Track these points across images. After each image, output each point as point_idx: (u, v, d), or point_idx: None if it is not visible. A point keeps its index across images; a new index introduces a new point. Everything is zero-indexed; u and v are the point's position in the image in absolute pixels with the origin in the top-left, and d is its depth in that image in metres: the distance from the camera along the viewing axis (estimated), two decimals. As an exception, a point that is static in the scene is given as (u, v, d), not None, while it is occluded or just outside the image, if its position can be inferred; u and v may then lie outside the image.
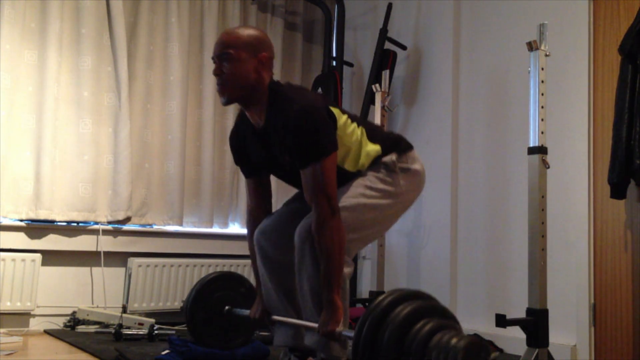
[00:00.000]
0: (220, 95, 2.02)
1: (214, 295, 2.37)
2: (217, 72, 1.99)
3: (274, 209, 2.30)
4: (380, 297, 1.52)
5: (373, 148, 2.11)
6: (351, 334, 1.61)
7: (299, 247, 1.99)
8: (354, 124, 2.08)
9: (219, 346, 2.42)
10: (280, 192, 3.57)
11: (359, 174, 2.09)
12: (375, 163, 2.11)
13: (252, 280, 2.42)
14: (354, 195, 2.03)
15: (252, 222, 2.25)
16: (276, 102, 1.98)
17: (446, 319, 1.49)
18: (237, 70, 1.96)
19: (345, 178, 2.05)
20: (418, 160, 2.20)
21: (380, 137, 2.16)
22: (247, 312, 2.28)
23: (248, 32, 2.01)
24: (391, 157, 2.12)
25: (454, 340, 1.38)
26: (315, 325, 1.91)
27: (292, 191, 2.32)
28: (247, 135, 2.14)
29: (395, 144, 2.17)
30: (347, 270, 1.99)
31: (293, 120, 1.90)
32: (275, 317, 2.17)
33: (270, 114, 2.00)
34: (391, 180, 2.09)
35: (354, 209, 2.01)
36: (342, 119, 2.03)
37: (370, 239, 2.19)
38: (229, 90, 1.99)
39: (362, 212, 2.03)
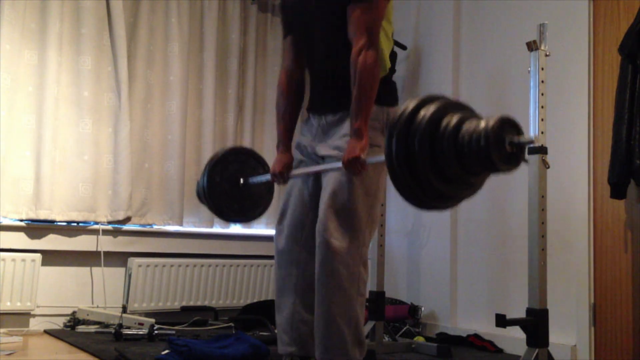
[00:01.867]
0: None
1: (232, 167, 2.32)
2: None
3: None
4: (402, 107, 1.53)
5: (387, 64, 2.15)
6: (379, 157, 1.59)
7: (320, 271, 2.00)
8: (392, 28, 2.17)
9: (239, 219, 2.39)
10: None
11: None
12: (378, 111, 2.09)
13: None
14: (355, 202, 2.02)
15: (286, 79, 2.27)
16: None
17: (467, 111, 1.49)
18: None
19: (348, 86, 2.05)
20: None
21: (391, 67, 2.25)
22: (264, 177, 2.25)
23: None
24: (386, 115, 2.11)
25: (482, 123, 1.40)
26: (338, 164, 1.94)
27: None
28: None
29: (392, 87, 2.21)
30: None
31: None
32: (296, 171, 2.17)
33: None
34: (380, 145, 2.07)
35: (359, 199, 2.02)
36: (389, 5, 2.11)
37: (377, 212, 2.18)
38: None
39: (367, 215, 2.05)
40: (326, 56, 2.14)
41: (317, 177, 2.16)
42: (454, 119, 1.45)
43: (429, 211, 2.05)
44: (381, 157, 1.57)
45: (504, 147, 1.41)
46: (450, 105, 1.50)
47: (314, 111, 2.22)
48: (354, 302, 1.99)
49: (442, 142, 1.42)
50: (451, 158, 1.43)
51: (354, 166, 1.92)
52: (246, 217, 2.42)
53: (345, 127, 2.08)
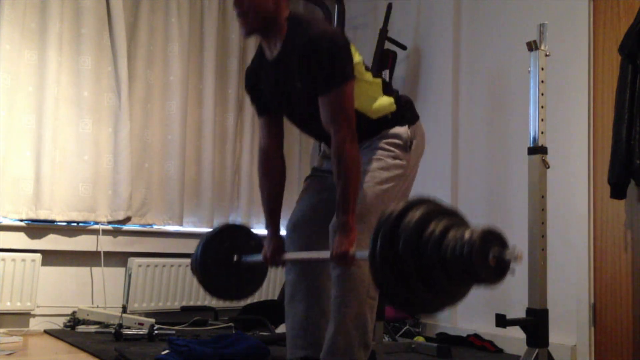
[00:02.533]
0: (241, 27, 2.03)
1: (223, 246, 2.31)
2: (237, 3, 2.00)
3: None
4: (388, 210, 1.52)
5: (388, 100, 2.12)
6: (365, 254, 1.60)
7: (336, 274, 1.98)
8: (369, 73, 2.11)
9: (231, 297, 2.38)
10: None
11: (368, 133, 2.07)
12: (387, 132, 2.09)
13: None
14: (367, 189, 2.01)
15: (265, 162, 2.24)
16: (296, 28, 1.99)
17: (456, 217, 1.49)
18: (256, 1, 1.98)
19: (361, 124, 2.02)
20: (422, 127, 2.22)
21: (395, 94, 2.17)
22: (257, 257, 2.23)
23: None
24: (407, 132, 2.11)
25: (467, 234, 1.38)
26: (327, 255, 1.92)
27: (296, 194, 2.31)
28: (263, 68, 2.14)
29: (407, 107, 2.17)
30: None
31: (314, 43, 1.92)
32: (288, 255, 2.14)
33: (288, 41, 2.00)
34: (403, 162, 2.08)
35: (370, 205, 2.01)
36: (357, 57, 2.04)
37: None
38: (249, 21, 2.00)
39: (378, 209, 2.01)
40: (315, 123, 2.07)
41: (332, 184, 2.13)
42: (440, 225, 1.45)
43: (408, 313, 2.01)
44: (365, 254, 1.58)
45: (488, 260, 1.40)
46: (437, 210, 1.50)
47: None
48: (364, 305, 1.99)
49: (427, 248, 1.43)
50: (435, 265, 1.43)
51: (342, 261, 1.89)
52: (240, 295, 2.43)
53: (368, 150, 2.08)
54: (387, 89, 2.16)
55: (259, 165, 2.26)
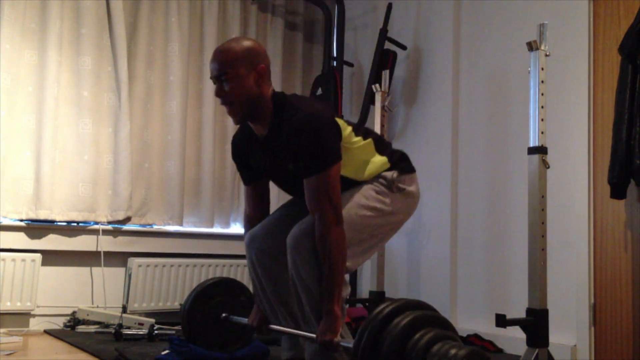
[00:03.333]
0: (231, 116, 2.02)
1: (213, 300, 2.35)
2: (220, 94, 1.99)
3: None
4: (380, 307, 1.52)
5: (381, 159, 2.12)
6: (349, 344, 1.61)
7: (291, 254, 1.96)
8: (359, 137, 2.08)
9: (215, 349, 2.40)
10: (282, 195, 3.57)
11: (358, 183, 2.09)
12: (376, 176, 2.11)
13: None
14: (348, 209, 2.00)
15: (250, 228, 2.24)
16: (282, 111, 1.98)
17: (446, 329, 1.49)
18: (238, 88, 1.96)
19: (348, 186, 2.04)
20: (416, 182, 2.20)
21: (389, 150, 2.16)
22: (244, 320, 2.25)
23: (242, 45, 1.98)
24: (392, 174, 2.11)
25: (453, 351, 1.38)
26: (313, 335, 1.90)
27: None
28: (251, 142, 2.13)
29: (401, 160, 2.17)
30: (345, 292, 1.98)
31: (299, 128, 1.90)
32: (274, 327, 2.15)
33: (275, 123, 1.99)
34: (386, 199, 2.08)
35: (347, 223, 1.99)
36: (346, 130, 2.03)
37: (357, 257, 2.10)
38: (237, 109, 1.99)
39: (355, 228, 2.01)
40: (296, 190, 2.09)
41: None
42: (427, 336, 1.44)
43: None
44: (350, 343, 1.58)
45: None
46: (428, 319, 1.50)
47: None
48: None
49: (411, 353, 1.43)
50: None
51: (327, 347, 1.87)
52: (226, 351, 2.44)
53: (357, 186, 2.08)
54: (381, 145, 2.14)
55: (245, 231, 2.25)
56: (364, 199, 2.05)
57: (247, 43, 2.00)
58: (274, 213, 2.25)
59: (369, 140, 2.11)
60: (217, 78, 1.99)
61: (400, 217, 2.16)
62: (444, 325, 1.51)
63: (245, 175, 2.24)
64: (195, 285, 3.74)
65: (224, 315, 2.35)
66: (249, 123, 2.08)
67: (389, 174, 2.11)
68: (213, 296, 2.35)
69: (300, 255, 1.93)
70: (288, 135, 1.93)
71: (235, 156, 2.24)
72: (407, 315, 1.47)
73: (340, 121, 2.02)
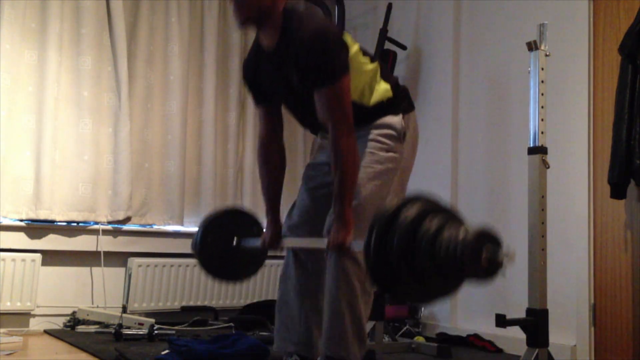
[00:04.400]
0: (235, 17, 2.02)
1: (225, 228, 2.33)
2: None
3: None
4: (384, 206, 1.55)
5: (385, 87, 2.13)
6: (361, 246, 1.62)
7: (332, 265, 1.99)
8: (367, 58, 2.11)
9: (229, 278, 2.39)
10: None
11: (364, 122, 2.08)
12: (381, 122, 2.10)
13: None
14: (360, 187, 2.02)
15: (263, 151, 2.25)
16: (291, 23, 1.99)
17: (450, 215, 1.51)
18: None
19: (357, 112, 2.03)
20: (415, 117, 2.23)
21: (392, 80, 2.18)
22: (256, 242, 2.25)
23: None
24: (401, 122, 2.11)
25: (462, 233, 1.39)
26: (324, 244, 1.93)
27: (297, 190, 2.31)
28: (260, 60, 2.14)
29: (403, 97, 2.18)
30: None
31: (308, 39, 1.92)
32: (287, 243, 2.17)
33: (284, 35, 2.00)
34: (396, 155, 2.09)
35: (366, 203, 2.02)
36: (354, 47, 2.05)
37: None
38: (244, 11, 1.99)
39: (374, 202, 2.03)
40: (313, 114, 2.08)
41: (329, 178, 2.14)
42: (434, 223, 1.46)
43: (400, 303, 2.06)
44: (361, 245, 1.60)
45: (480, 261, 1.41)
46: (433, 208, 1.52)
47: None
48: (359, 300, 2.01)
49: (420, 246, 1.44)
50: (427, 263, 1.45)
51: (338, 251, 1.91)
52: (238, 278, 2.44)
53: (361, 142, 2.06)
54: (385, 74, 2.16)
55: (258, 153, 2.28)
56: (376, 165, 2.05)
57: None
58: (304, 200, 2.24)
59: (376, 63, 2.13)
60: None
61: (412, 160, 2.20)
62: (449, 212, 1.53)
63: (256, 95, 2.25)
64: (195, 283, 3.78)
65: (235, 240, 2.33)
66: (259, 35, 2.10)
67: (396, 122, 2.10)
68: (225, 224, 2.34)
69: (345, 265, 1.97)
70: (295, 48, 1.95)
71: (246, 77, 2.26)
72: (411, 207, 1.49)
73: (347, 37, 2.04)
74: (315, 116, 2.01)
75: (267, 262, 3.94)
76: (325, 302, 2.03)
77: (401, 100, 2.17)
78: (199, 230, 2.32)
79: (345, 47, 1.99)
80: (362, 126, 2.08)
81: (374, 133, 2.10)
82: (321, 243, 1.98)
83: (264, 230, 2.26)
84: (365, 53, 2.12)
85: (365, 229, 1.91)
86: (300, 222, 2.22)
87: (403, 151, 2.13)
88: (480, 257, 1.40)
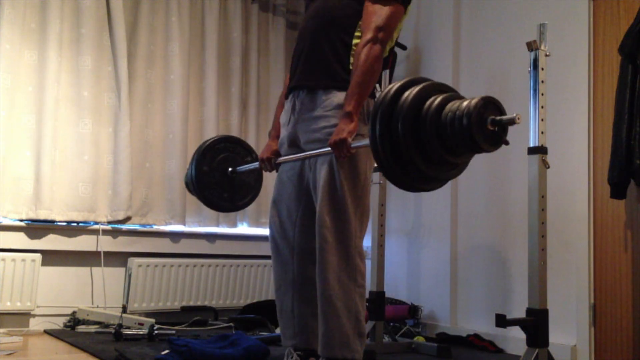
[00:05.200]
0: None
1: (220, 156, 2.33)
2: None
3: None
4: (385, 90, 1.54)
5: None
6: (364, 141, 1.62)
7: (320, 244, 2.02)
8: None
9: (227, 208, 2.39)
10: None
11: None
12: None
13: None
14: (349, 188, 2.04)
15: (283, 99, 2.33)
16: None
17: (452, 92, 1.51)
18: None
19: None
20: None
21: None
22: (252, 165, 2.28)
23: None
24: (367, 103, 2.12)
25: (465, 103, 1.41)
26: (328, 149, 1.97)
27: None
28: None
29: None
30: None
31: None
32: (283, 158, 2.19)
33: None
34: (363, 135, 2.09)
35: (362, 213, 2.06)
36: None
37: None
38: None
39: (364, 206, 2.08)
40: (314, 30, 2.18)
41: (302, 171, 2.19)
42: (437, 100, 1.47)
43: (415, 191, 2.09)
44: (366, 141, 1.59)
45: (486, 126, 1.42)
46: (433, 87, 1.52)
47: (291, 89, 2.25)
48: (353, 294, 2.01)
49: (425, 123, 1.44)
50: (434, 139, 1.44)
51: (340, 148, 1.94)
52: (235, 206, 2.43)
53: (320, 115, 2.10)
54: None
55: (281, 95, 2.36)
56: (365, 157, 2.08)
57: None
58: (287, 188, 2.25)
59: (393, 43, 2.24)
60: None
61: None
62: (448, 89, 1.53)
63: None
64: (195, 283, 3.78)
65: (230, 169, 2.34)
66: None
67: (365, 105, 2.10)
68: (220, 151, 2.33)
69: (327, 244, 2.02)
70: None
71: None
72: (412, 88, 1.49)
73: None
74: (317, 38, 2.12)
75: (267, 262, 4.00)
76: (319, 302, 2.04)
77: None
78: (192, 161, 2.31)
79: None
80: (322, 86, 2.13)
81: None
82: (322, 151, 2.00)
83: (264, 148, 2.29)
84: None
85: (348, 221, 2.00)
86: (282, 198, 2.23)
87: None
88: (486, 121, 1.40)
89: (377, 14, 2.06)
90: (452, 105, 1.43)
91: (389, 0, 2.07)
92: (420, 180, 1.56)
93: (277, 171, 2.28)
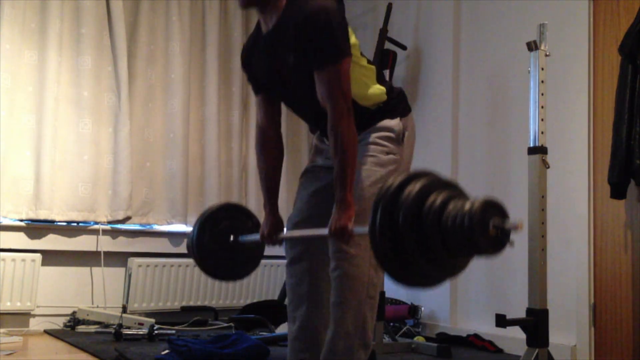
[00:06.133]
0: None
1: (221, 224, 2.29)
2: None
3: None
4: (387, 183, 1.52)
5: (380, 89, 2.11)
6: (364, 229, 1.60)
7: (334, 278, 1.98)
8: (365, 58, 2.10)
9: (227, 277, 2.36)
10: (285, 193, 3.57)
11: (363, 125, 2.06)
12: (379, 125, 2.08)
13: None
14: (359, 190, 1.99)
15: (261, 138, 2.22)
16: (295, 2, 1.97)
17: (454, 189, 1.49)
18: None
19: (355, 116, 2.00)
20: (413, 120, 2.21)
21: (387, 84, 2.17)
22: (254, 237, 2.22)
23: None
24: (399, 125, 2.10)
25: (467, 205, 1.39)
26: (325, 232, 1.90)
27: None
28: (256, 44, 2.13)
29: (400, 98, 2.17)
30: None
31: (312, 14, 1.89)
32: (286, 234, 2.14)
33: (285, 14, 1.98)
34: (397, 157, 2.07)
35: (365, 208, 1.98)
36: (353, 39, 2.03)
37: None
38: None
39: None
40: (307, 103, 2.08)
41: (327, 181, 2.12)
42: (439, 197, 1.45)
43: (409, 288, 2.02)
44: (365, 229, 1.57)
45: (488, 230, 1.40)
46: (437, 183, 1.50)
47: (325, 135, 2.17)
48: (364, 305, 1.99)
49: (427, 220, 1.42)
50: (435, 237, 1.42)
51: (340, 236, 1.88)
52: (236, 276, 2.41)
53: (360, 145, 2.04)
54: (380, 78, 2.14)
55: (256, 143, 2.24)
56: (377, 168, 2.03)
57: None
58: (303, 202, 2.21)
59: (373, 67, 2.12)
60: None
61: (408, 164, 2.17)
62: (453, 186, 1.51)
63: (254, 83, 2.22)
64: (195, 283, 3.78)
65: (232, 238, 2.30)
66: (259, 16, 2.07)
67: (394, 125, 2.08)
68: (221, 220, 2.30)
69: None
70: (299, 24, 1.92)
71: (243, 64, 2.24)
72: (416, 183, 1.47)
73: (350, 29, 2.02)
74: (309, 106, 2.00)
75: (267, 262, 4.00)
76: (331, 311, 2.01)
77: (397, 103, 2.15)
78: (193, 229, 2.29)
79: (348, 30, 1.97)
80: (360, 131, 2.05)
81: (373, 136, 2.08)
82: (321, 232, 1.94)
83: (262, 222, 2.22)
84: (362, 53, 2.11)
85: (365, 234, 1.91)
86: (300, 224, 2.18)
87: (402, 153, 2.12)
88: (488, 226, 1.39)
89: (331, 82, 1.90)
90: (454, 205, 1.42)
91: (336, 57, 1.90)
92: (415, 276, 1.55)
93: (280, 245, 2.21)
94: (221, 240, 2.29)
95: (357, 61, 2.04)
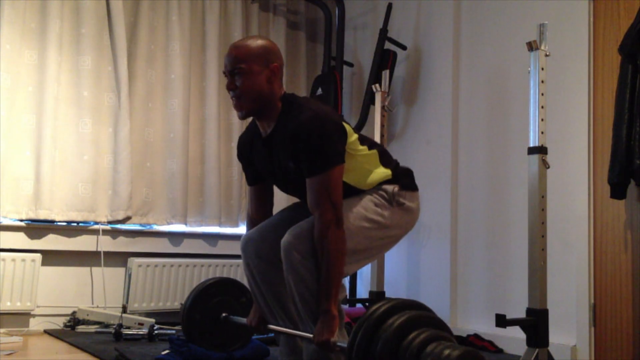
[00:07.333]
0: (237, 110, 2.02)
1: (213, 300, 2.35)
2: (231, 87, 2.00)
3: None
4: (374, 307, 1.51)
5: (384, 171, 2.11)
6: (345, 344, 1.61)
7: (285, 257, 1.95)
8: (365, 146, 2.07)
9: (215, 349, 2.40)
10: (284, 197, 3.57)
11: (359, 192, 2.08)
12: (378, 187, 2.10)
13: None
14: (346, 218, 1.97)
15: (250, 226, 2.24)
16: (290, 110, 1.98)
17: (441, 330, 1.48)
18: (250, 83, 1.97)
19: (349, 193, 2.03)
20: (417, 201, 2.18)
21: (394, 164, 2.16)
22: (244, 320, 2.25)
23: (257, 43, 2.01)
24: (393, 188, 2.09)
25: (447, 351, 1.36)
26: (310, 335, 1.89)
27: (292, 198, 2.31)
28: (254, 141, 2.14)
29: (404, 175, 2.16)
30: (341, 294, 1.97)
31: (304, 126, 1.90)
32: (272, 327, 2.14)
33: (281, 122, 1.99)
34: (384, 212, 2.07)
35: (354, 232, 1.99)
36: (352, 136, 2.03)
37: (350, 266, 2.08)
38: (245, 104, 2.00)
39: (351, 237, 1.98)
40: (297, 192, 2.11)
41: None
42: (422, 335, 1.43)
43: None
44: (345, 343, 1.57)
45: None
46: (423, 320, 1.49)
47: None
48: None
49: (404, 355, 1.42)
50: None
51: (324, 348, 1.86)
52: (226, 351, 2.44)
53: (359, 194, 2.06)
54: (385, 159, 2.13)
55: (247, 225, 2.27)
56: (363, 209, 2.04)
57: (262, 41, 2.03)
58: (273, 216, 2.24)
59: (374, 151, 2.10)
60: (230, 72, 2.00)
61: (397, 232, 2.15)
62: (439, 326, 1.50)
63: (250, 175, 2.24)
64: (196, 285, 3.77)
65: (223, 315, 2.35)
66: (256, 121, 2.09)
67: (390, 187, 2.09)
68: (213, 296, 2.35)
69: (294, 258, 1.92)
70: (292, 133, 1.93)
71: (240, 156, 2.25)
72: (401, 315, 1.47)
73: (347, 127, 2.02)
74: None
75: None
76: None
77: (401, 177, 2.14)
78: (185, 304, 2.33)
79: (343, 135, 1.97)
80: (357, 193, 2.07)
81: (368, 191, 2.09)
82: (307, 335, 1.93)
83: (252, 310, 2.22)
84: (363, 142, 2.08)
85: (350, 256, 1.91)
86: (257, 236, 2.15)
87: (393, 216, 2.09)
88: None
89: (321, 189, 1.89)
90: (433, 348, 1.41)
91: (325, 167, 1.89)
92: None
93: (266, 335, 2.24)
94: (212, 318, 2.34)
95: (356, 153, 2.03)
